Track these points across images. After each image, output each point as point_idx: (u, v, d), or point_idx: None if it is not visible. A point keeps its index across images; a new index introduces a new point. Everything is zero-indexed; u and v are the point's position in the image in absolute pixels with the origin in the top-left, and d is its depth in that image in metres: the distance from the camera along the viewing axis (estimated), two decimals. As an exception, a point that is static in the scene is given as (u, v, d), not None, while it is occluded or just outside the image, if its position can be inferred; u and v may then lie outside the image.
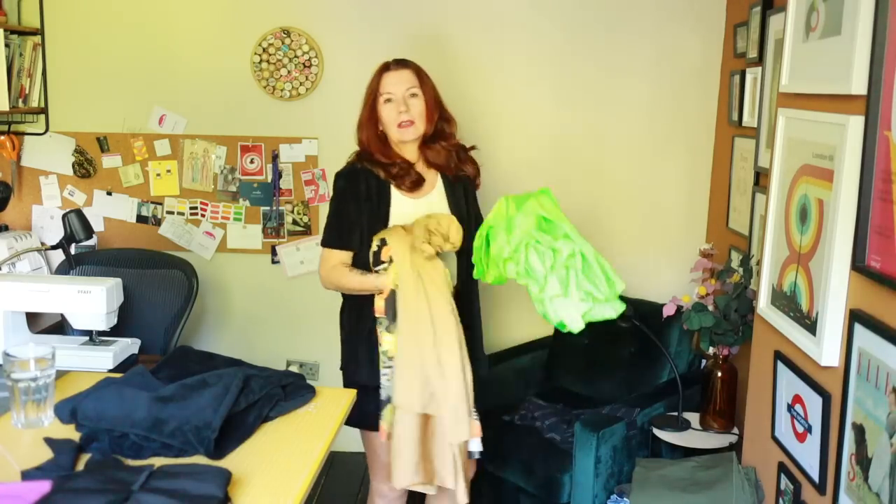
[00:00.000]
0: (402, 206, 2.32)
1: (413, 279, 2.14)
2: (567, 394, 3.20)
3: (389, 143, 2.36)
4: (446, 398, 2.12)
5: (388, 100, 2.31)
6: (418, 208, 2.31)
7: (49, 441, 1.54)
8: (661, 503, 2.02)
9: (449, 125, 2.40)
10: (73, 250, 2.56)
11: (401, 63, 2.36)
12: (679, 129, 3.37)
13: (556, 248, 1.94)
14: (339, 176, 2.37)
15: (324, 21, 3.41)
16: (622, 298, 2.01)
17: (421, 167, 2.38)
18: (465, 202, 2.42)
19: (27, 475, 1.41)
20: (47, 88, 3.49)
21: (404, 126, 2.30)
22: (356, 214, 2.30)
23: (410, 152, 2.37)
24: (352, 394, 1.96)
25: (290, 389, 1.80)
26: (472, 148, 2.50)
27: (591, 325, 1.98)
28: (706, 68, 3.31)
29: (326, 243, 2.34)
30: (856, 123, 1.52)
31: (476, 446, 2.26)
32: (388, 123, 2.32)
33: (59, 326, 2.88)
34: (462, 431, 2.14)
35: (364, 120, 2.36)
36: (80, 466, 1.48)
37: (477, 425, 2.22)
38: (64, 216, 2.52)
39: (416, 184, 2.33)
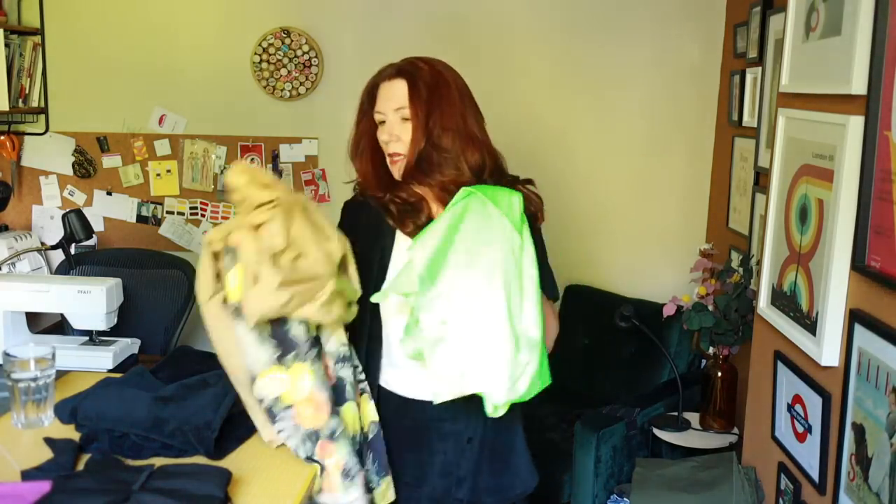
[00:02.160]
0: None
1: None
2: (567, 394, 3.20)
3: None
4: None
5: (382, 121, 1.69)
6: None
7: (49, 441, 1.54)
8: (660, 503, 2.02)
9: (491, 159, 1.77)
10: (73, 250, 2.56)
11: (395, 70, 1.69)
12: (679, 130, 3.37)
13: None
14: (342, 207, 1.82)
15: (324, 21, 3.41)
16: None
17: (439, 207, 1.68)
18: None
19: (27, 475, 1.41)
20: (47, 88, 3.49)
21: (392, 161, 1.69)
22: (365, 250, 1.66)
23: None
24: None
25: (290, 389, 1.80)
26: (529, 182, 1.80)
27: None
28: (706, 68, 3.31)
29: None
30: (856, 123, 1.52)
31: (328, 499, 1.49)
32: (385, 150, 1.71)
33: (59, 326, 2.88)
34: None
35: (354, 143, 1.75)
36: (80, 466, 1.47)
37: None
38: (64, 216, 2.52)
39: (424, 227, 1.59)
